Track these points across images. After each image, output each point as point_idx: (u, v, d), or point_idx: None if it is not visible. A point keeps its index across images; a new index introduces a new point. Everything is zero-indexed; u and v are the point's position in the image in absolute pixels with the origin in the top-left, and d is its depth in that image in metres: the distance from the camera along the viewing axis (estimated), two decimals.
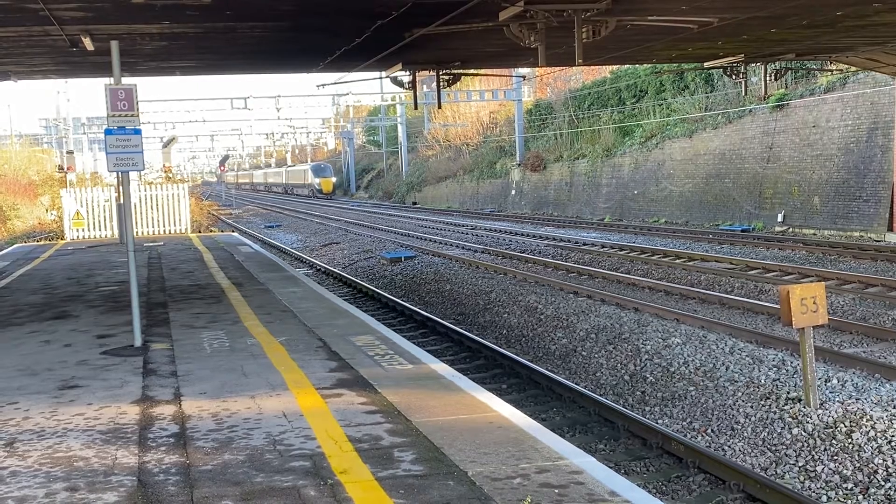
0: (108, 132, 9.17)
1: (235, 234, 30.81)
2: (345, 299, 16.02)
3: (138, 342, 9.44)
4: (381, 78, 42.26)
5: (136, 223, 26.90)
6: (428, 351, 9.98)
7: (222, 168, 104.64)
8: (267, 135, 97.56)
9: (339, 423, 6.24)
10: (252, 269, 16.56)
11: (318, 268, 24.93)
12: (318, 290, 13.74)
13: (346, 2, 11.07)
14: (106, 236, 26.75)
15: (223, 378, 7.79)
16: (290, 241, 35.67)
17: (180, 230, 27.88)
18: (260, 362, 8.37)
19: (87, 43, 12.51)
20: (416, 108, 21.33)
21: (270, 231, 41.57)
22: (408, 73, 18.11)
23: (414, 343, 10.02)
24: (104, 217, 27.11)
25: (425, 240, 30.63)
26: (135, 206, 26.70)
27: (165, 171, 36.73)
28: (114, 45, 9.46)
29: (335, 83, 33.60)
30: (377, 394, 7.00)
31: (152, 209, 27.88)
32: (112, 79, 9.35)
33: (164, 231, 27.79)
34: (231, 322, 10.76)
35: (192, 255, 20.05)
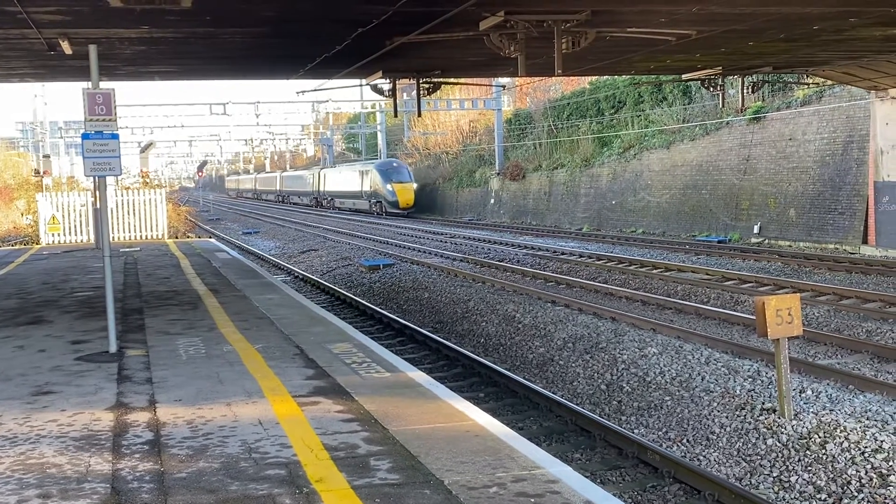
0: (85, 136, 9.11)
1: (213, 240, 30.65)
2: (322, 307, 15.97)
3: (113, 348, 9.36)
4: (361, 85, 42.22)
5: (113, 228, 26.71)
6: (405, 359, 9.96)
7: (200, 174, 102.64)
8: (246, 141, 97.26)
9: (315, 431, 6.21)
10: (229, 276, 16.48)
11: (296, 275, 24.84)
12: (296, 297, 13.70)
13: (327, 9, 11.06)
14: (82, 241, 26.54)
15: (199, 385, 7.74)
16: (267, 247, 35.53)
17: (157, 236, 27.70)
18: (236, 369, 8.32)
19: (66, 46, 12.43)
20: (396, 115, 21.40)
21: (248, 237, 41.38)
22: (388, 80, 18.13)
23: (391, 351, 10.00)
24: (80, 222, 26.90)
25: (404, 247, 30.61)
26: (111, 211, 26.52)
27: (143, 177, 36.46)
28: (92, 49, 9.40)
29: (315, 90, 33.62)
30: (354, 402, 6.98)
31: (129, 214, 27.68)
32: (90, 83, 9.29)
33: (141, 236, 27.60)
34: (207, 329, 10.69)
35: (169, 260, 19.92)
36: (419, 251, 29.08)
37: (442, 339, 14.44)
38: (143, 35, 12.47)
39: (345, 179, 59.67)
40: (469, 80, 33.84)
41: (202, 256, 20.81)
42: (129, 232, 27.61)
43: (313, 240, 36.13)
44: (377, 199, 52.26)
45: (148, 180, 34.88)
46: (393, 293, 20.47)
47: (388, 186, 50.83)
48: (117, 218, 27.23)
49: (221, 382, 7.81)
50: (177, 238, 29.13)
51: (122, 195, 27.94)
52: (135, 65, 15.95)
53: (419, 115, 21.55)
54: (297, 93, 46.55)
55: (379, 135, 70.44)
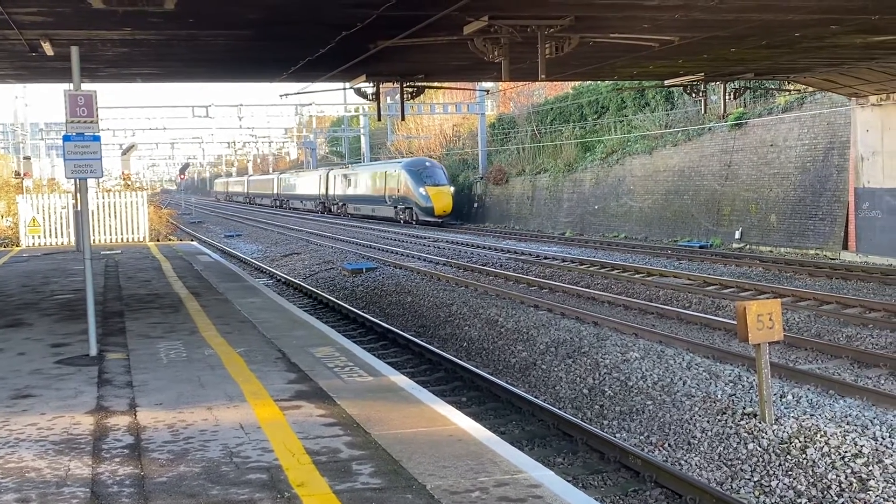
0: (66, 138, 9.05)
1: (194, 242, 30.52)
2: (305, 310, 15.91)
3: (94, 351, 9.30)
4: (344, 89, 42.14)
5: (94, 231, 26.54)
6: (388, 363, 9.94)
7: (182, 176, 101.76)
8: (228, 143, 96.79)
9: (297, 435, 6.19)
10: (211, 279, 16.40)
11: (279, 278, 24.77)
12: (278, 300, 13.65)
13: (312, 12, 11.05)
14: (62, 244, 26.34)
15: (180, 389, 7.70)
16: (249, 250, 35.42)
17: (138, 238, 27.55)
18: (217, 373, 8.28)
19: (47, 48, 12.36)
20: (379, 119, 21.37)
21: (230, 240, 41.24)
22: (372, 84, 18.12)
23: (374, 355, 9.98)
24: (61, 224, 26.71)
25: (387, 251, 30.58)
26: (92, 213, 26.34)
27: (124, 179, 36.29)
28: (74, 50, 9.34)
29: (298, 93, 33.58)
30: (336, 406, 6.96)
31: (110, 217, 27.52)
32: (72, 84, 9.24)
33: (122, 239, 27.43)
34: (189, 332, 10.64)
35: (150, 263, 19.82)
36: (402, 255, 29.06)
37: (424, 342, 14.43)
38: (126, 37, 12.42)
39: (362, 182, 52.15)
40: (453, 85, 33.86)
41: (184, 259, 20.72)
42: (111, 234, 27.44)
43: (296, 243, 36.04)
44: (406, 204, 44.97)
45: (129, 183, 34.75)
46: (376, 297, 20.44)
47: (421, 190, 43.50)
48: (98, 220, 27.06)
49: (203, 386, 7.77)
50: (158, 241, 29.00)
51: (103, 197, 27.77)
52: (117, 66, 15.87)
53: (402, 118, 21.55)
54: (281, 96, 46.50)
55: (362, 138, 70.41)
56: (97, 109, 9.13)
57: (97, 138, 9.16)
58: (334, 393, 7.37)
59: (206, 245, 33.69)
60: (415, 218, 44.44)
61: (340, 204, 56.67)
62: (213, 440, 6.12)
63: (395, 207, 46.69)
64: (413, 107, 46.68)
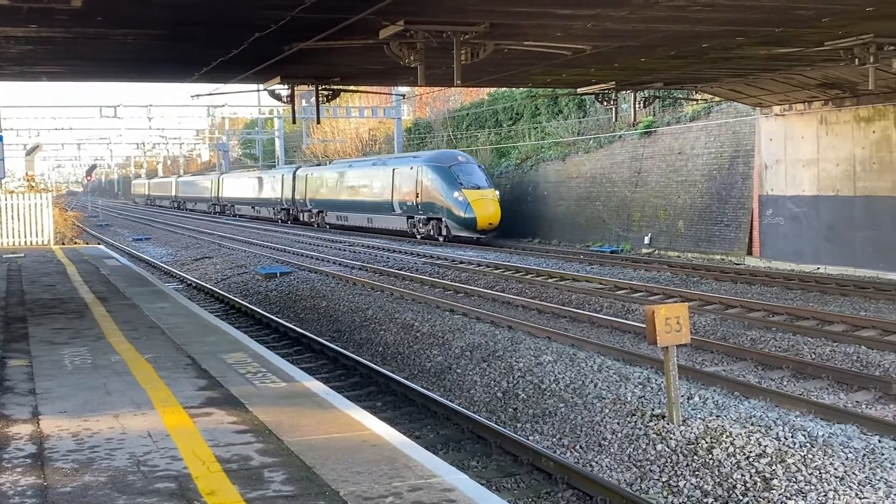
0: None
1: (101, 246, 29.73)
2: (217, 315, 15.65)
3: None
4: (258, 90, 41.61)
5: None
6: (302, 368, 9.84)
7: (89, 178, 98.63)
8: (137, 145, 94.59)
9: (207, 442, 6.07)
10: (118, 284, 16.00)
11: (189, 283, 24.30)
12: (189, 305, 13.39)
13: (225, 13, 10.89)
14: None
15: (85, 396, 7.48)
16: (159, 254, 34.66)
17: (43, 241, 26.70)
18: (125, 380, 8.08)
19: None
20: (294, 122, 21.18)
21: (139, 244, 40.29)
22: (286, 86, 17.95)
23: (288, 361, 9.86)
24: None
25: (302, 255, 30.31)
26: None
27: (28, 180, 35.13)
28: None
29: (211, 94, 32.96)
30: (248, 413, 6.86)
31: (13, 219, 26.60)
32: None
33: (26, 242, 26.55)
34: (95, 338, 10.35)
35: (55, 267, 19.22)
36: (317, 259, 28.83)
37: (340, 348, 14.34)
38: (31, 34, 12.04)
39: (354, 184, 41.55)
40: (369, 88, 33.81)
41: (90, 263, 20.15)
42: (13, 237, 26.53)
43: (207, 247, 35.42)
44: (431, 213, 34.45)
45: (34, 184, 33.63)
46: (290, 302, 20.23)
47: (456, 195, 32.89)
48: (0, 223, 26.15)
49: (109, 393, 7.56)
50: (64, 244, 28.15)
51: (5, 199, 26.84)
52: (21, 64, 15.37)
53: (318, 121, 21.41)
54: (192, 96, 45.46)
55: (277, 141, 69.66)
56: (0, 108, 8.82)
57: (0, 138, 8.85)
58: (246, 399, 7.26)
59: (114, 249, 32.85)
60: (444, 232, 33.89)
61: (316, 212, 46.44)
62: (120, 448, 5.96)
63: (412, 218, 36.07)
64: (329, 110, 46.38)
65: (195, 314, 12.35)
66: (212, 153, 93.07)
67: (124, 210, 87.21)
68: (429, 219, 34.83)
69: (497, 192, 33.95)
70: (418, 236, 35.63)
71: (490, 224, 32.95)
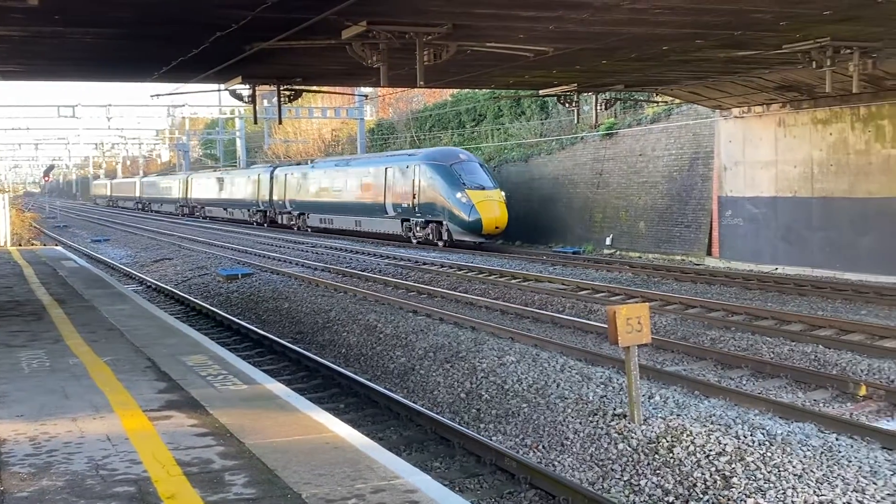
0: None
1: (59, 247, 29.31)
2: (177, 317, 15.51)
3: None
4: (219, 90, 41.31)
5: None
6: (264, 370, 9.78)
7: (46, 178, 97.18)
8: (96, 145, 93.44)
9: (167, 446, 6.01)
10: (76, 286, 15.78)
11: (149, 284, 24.04)
12: (148, 307, 13.25)
13: (185, 12, 10.79)
14: None
15: (42, 400, 7.37)
16: (118, 256, 34.25)
17: None
18: (83, 383, 7.97)
19: None
20: (255, 122, 21.01)
21: (97, 245, 39.78)
22: (248, 86, 17.82)
23: (249, 363, 9.79)
24: None
25: (263, 256, 30.11)
26: None
27: None
28: None
29: (171, 94, 32.65)
30: (209, 415, 6.80)
31: None
32: None
33: None
34: (52, 341, 10.20)
35: (12, 269, 18.92)
36: (279, 260, 28.66)
37: (302, 349, 14.26)
38: None
39: (341, 184, 38.61)
40: (331, 89, 33.68)
41: (48, 265, 19.86)
42: None
43: (167, 248, 35.07)
44: (431, 216, 31.82)
45: None
46: (252, 303, 20.09)
47: (459, 196, 30.45)
48: None
49: (67, 397, 7.46)
50: (21, 246, 27.73)
51: None
52: None
53: (280, 122, 21.29)
54: (152, 96, 44.91)
55: (238, 141, 69.12)
56: None
57: None
58: (207, 402, 7.20)
59: (72, 250, 32.40)
60: (445, 236, 31.27)
61: (297, 214, 43.79)
62: (78, 452, 5.89)
63: (407, 221, 33.44)
64: (291, 110, 46.17)
65: (155, 316, 12.23)
66: (172, 153, 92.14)
67: (83, 211, 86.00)
68: (427, 222, 32.18)
69: (503, 193, 31.26)
70: (414, 241, 32.87)
71: (497, 228, 30.50)
